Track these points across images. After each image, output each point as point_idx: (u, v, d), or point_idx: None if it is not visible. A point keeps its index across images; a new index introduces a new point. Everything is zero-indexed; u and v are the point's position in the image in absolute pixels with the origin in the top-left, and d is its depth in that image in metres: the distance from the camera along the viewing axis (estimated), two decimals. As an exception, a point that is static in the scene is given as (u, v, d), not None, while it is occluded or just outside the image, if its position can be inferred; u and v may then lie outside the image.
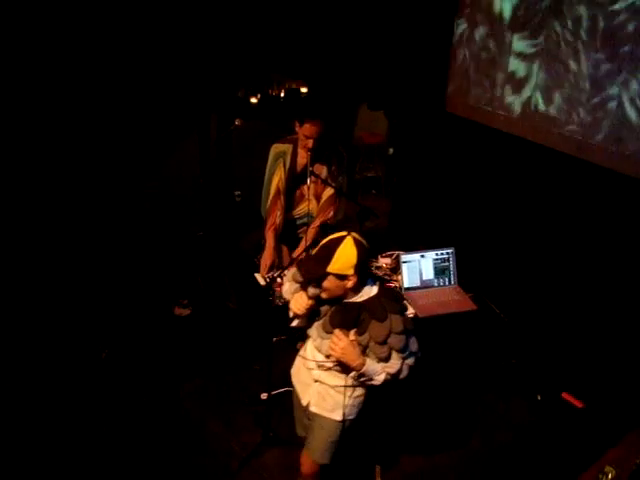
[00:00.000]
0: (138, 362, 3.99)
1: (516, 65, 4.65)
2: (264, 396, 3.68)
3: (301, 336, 3.32)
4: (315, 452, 2.70)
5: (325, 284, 2.34)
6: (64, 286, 4.45)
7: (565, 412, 3.80)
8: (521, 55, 4.59)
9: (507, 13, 4.64)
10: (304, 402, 2.70)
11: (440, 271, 3.70)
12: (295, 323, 2.57)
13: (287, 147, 3.80)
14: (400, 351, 2.36)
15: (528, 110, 4.63)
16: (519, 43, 4.59)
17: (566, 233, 4.38)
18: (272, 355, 3.28)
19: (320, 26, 5.89)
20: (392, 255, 3.88)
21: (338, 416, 2.61)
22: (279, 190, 3.79)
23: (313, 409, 2.67)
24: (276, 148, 3.84)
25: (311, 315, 2.51)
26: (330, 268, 2.29)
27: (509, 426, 3.72)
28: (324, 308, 2.47)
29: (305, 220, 3.84)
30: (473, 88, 5.15)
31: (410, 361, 2.43)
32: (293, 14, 5.80)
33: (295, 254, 3.74)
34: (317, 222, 3.82)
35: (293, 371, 2.83)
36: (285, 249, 3.94)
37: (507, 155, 4.86)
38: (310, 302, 2.42)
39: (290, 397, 2.91)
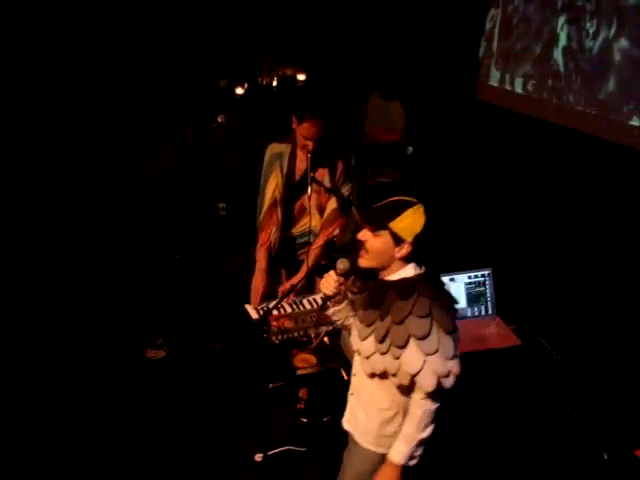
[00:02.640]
0: (99, 419, 3.96)
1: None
2: (258, 458, 3.66)
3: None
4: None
5: (376, 242, 2.44)
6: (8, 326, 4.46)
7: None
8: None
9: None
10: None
11: (475, 298, 3.70)
12: (330, 311, 2.67)
13: (285, 147, 3.80)
14: (421, 338, 2.37)
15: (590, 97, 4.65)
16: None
17: (632, 250, 4.40)
18: (268, 406, 3.28)
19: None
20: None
21: (369, 444, 2.66)
22: (275, 200, 3.80)
23: (346, 426, 2.76)
24: (273, 149, 3.84)
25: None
26: (393, 224, 2.41)
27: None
28: (357, 303, 2.56)
29: (307, 239, 3.84)
30: (513, 68, 5.17)
31: (439, 367, 2.41)
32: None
33: (295, 280, 3.74)
34: (320, 241, 3.82)
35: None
36: (283, 273, 3.95)
37: (557, 154, 4.88)
38: (339, 279, 2.55)
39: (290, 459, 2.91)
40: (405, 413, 2.55)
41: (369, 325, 2.47)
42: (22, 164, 4.98)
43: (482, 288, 3.70)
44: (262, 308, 3.66)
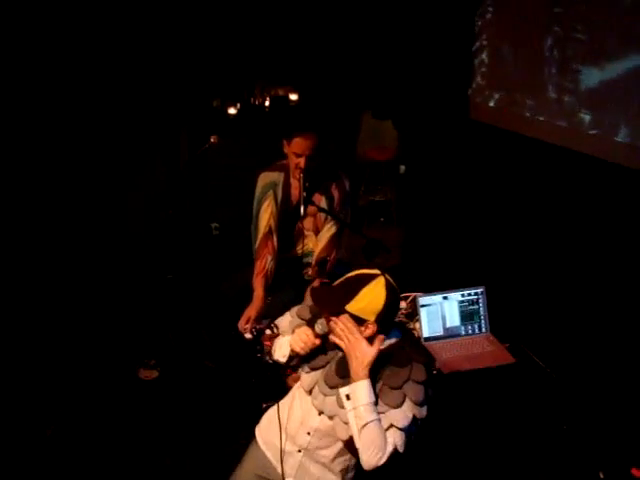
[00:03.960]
0: (91, 440, 3.94)
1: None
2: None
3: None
4: None
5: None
6: None
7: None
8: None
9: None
10: (277, 472, 2.65)
11: (468, 316, 3.70)
12: (284, 360, 2.57)
13: (278, 176, 3.81)
14: (417, 404, 2.34)
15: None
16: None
17: (628, 266, 4.42)
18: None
19: (310, 18, 5.96)
20: (408, 298, 3.89)
21: None
22: (270, 229, 3.80)
23: None
24: (265, 177, 3.84)
25: (307, 356, 2.51)
26: (350, 306, 2.31)
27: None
28: (328, 355, 2.48)
29: (304, 261, 3.87)
30: (506, 87, 5.20)
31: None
32: (276, 5, 5.88)
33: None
34: (314, 262, 3.87)
35: (262, 427, 2.81)
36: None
37: (552, 173, 4.91)
38: (317, 341, 2.43)
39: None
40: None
41: (332, 388, 2.40)
42: (12, 180, 4.96)
43: (475, 306, 3.71)
44: (255, 328, 3.66)
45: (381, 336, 2.36)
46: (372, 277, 2.34)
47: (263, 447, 2.75)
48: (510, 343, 3.66)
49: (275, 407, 2.68)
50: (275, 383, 3.20)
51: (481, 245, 5.33)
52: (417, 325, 3.65)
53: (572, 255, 4.84)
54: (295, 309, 2.66)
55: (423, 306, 3.63)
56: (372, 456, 2.28)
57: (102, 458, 3.84)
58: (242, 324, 3.71)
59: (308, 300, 2.55)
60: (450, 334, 3.66)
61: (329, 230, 3.81)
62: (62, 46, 4.90)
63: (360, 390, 2.31)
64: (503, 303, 3.85)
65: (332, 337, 2.38)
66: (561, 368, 4.09)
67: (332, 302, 2.35)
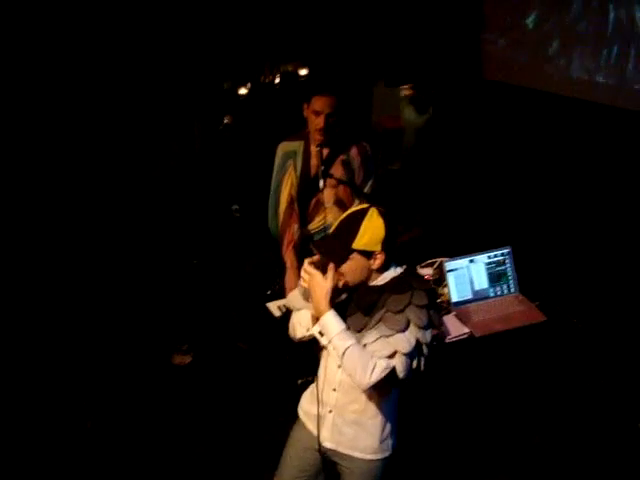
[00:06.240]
0: (130, 432, 3.98)
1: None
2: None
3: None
4: None
5: (348, 265, 2.42)
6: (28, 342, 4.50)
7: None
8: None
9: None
10: (318, 440, 2.68)
11: (496, 277, 3.70)
12: (310, 333, 2.58)
13: (298, 145, 3.76)
14: (421, 327, 2.39)
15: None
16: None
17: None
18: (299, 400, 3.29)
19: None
20: (434, 264, 3.89)
21: (374, 454, 2.63)
22: (292, 198, 3.77)
23: (329, 445, 2.66)
24: (284, 147, 3.80)
25: None
26: (356, 244, 2.38)
27: (606, 464, 3.69)
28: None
29: (324, 235, 3.82)
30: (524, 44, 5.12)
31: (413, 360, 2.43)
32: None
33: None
34: None
35: (302, 400, 2.84)
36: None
37: (573, 128, 4.86)
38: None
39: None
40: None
41: (359, 331, 2.44)
42: (28, 168, 4.99)
43: (503, 267, 3.70)
44: (284, 306, 3.66)
45: (333, 268, 2.39)
46: (365, 211, 2.42)
47: (304, 419, 2.79)
48: (540, 301, 3.66)
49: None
50: (309, 358, 3.21)
51: (504, 205, 5.30)
52: (445, 290, 3.65)
53: (595, 206, 4.80)
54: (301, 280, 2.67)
55: (450, 271, 3.63)
56: (361, 377, 2.35)
57: (142, 446, 3.89)
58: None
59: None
60: (479, 297, 3.66)
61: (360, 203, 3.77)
62: (70, 39, 4.91)
63: (328, 322, 2.39)
64: (530, 262, 3.84)
65: (301, 282, 2.46)
66: (592, 322, 4.09)
67: (339, 247, 2.41)
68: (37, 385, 4.20)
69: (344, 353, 2.36)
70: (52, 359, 4.40)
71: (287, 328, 3.34)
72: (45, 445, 3.84)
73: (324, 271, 2.41)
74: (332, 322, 2.39)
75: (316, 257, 2.45)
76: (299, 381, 3.58)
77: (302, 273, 2.45)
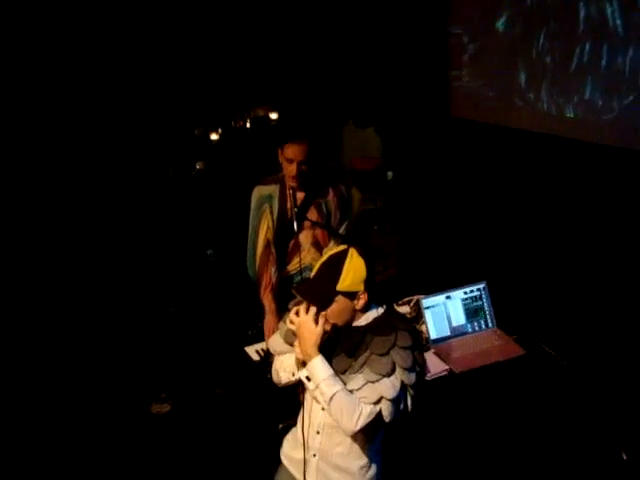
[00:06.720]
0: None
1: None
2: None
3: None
4: None
5: (332, 308, 2.41)
6: None
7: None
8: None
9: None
10: None
11: (472, 313, 3.71)
12: (294, 377, 2.56)
13: (273, 189, 3.77)
14: (406, 369, 2.39)
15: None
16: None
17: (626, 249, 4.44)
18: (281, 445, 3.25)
19: (283, 31, 5.95)
20: (411, 301, 3.90)
21: None
22: (269, 242, 3.77)
23: None
24: (260, 191, 3.80)
25: None
26: (340, 286, 2.38)
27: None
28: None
29: (302, 277, 3.82)
30: (487, 82, 5.22)
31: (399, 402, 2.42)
32: (245, 21, 5.88)
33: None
34: None
35: (284, 445, 2.81)
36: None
37: (540, 163, 4.93)
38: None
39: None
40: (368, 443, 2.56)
41: (343, 372, 2.43)
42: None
43: (479, 302, 3.71)
44: (262, 350, 3.64)
45: (324, 314, 2.40)
46: (344, 252, 2.43)
47: (287, 464, 2.75)
48: (518, 335, 3.67)
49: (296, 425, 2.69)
50: (289, 402, 3.18)
51: (477, 241, 5.34)
52: (423, 327, 3.65)
53: (569, 241, 4.86)
54: (281, 325, 2.67)
55: (427, 308, 3.63)
56: (347, 422, 2.35)
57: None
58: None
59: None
60: (457, 333, 3.67)
61: (334, 247, 3.77)
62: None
63: (315, 367, 2.38)
64: (506, 296, 3.85)
65: (289, 325, 2.45)
66: (571, 355, 4.10)
67: (323, 290, 2.41)
68: (12, 438, 4.13)
69: (331, 399, 2.36)
70: (27, 408, 4.34)
71: (266, 372, 3.32)
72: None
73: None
74: (320, 368, 2.38)
75: (303, 305, 2.43)
76: (280, 425, 3.56)
77: (291, 317, 2.43)
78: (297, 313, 2.42)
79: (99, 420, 4.33)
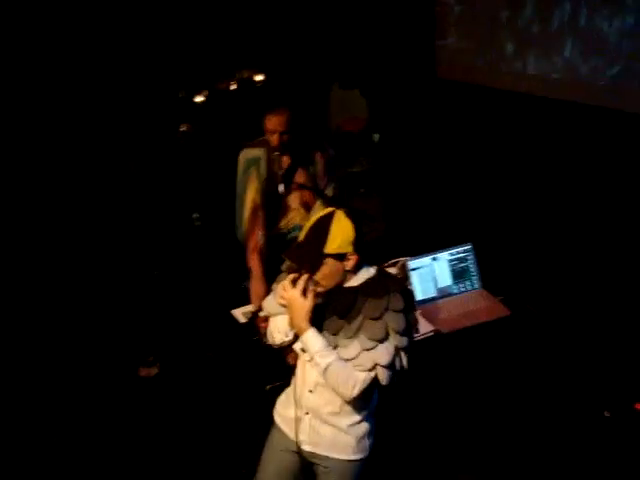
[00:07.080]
0: (98, 447, 3.90)
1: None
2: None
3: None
4: None
5: (322, 271, 2.41)
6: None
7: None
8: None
9: None
10: (294, 442, 2.68)
11: (459, 274, 3.72)
12: (289, 338, 2.57)
13: (260, 151, 3.77)
14: (399, 333, 2.39)
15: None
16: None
17: (612, 204, 4.45)
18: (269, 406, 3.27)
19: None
20: (397, 263, 3.90)
21: (352, 454, 2.63)
22: (256, 205, 3.77)
23: (307, 448, 2.66)
24: (246, 154, 3.80)
25: None
26: (328, 248, 2.37)
27: (573, 453, 3.73)
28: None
29: (297, 233, 3.82)
30: (475, 42, 5.19)
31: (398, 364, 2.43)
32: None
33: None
34: None
35: (277, 404, 2.83)
36: None
37: (526, 123, 4.91)
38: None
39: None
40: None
41: (334, 334, 2.44)
42: None
43: (465, 263, 3.72)
44: (249, 312, 3.65)
45: (313, 288, 2.40)
46: (331, 215, 2.43)
47: (280, 422, 2.77)
48: (503, 296, 3.69)
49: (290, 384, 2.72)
50: (277, 364, 3.19)
51: (463, 203, 5.34)
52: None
53: (555, 201, 4.87)
54: (274, 286, 2.66)
55: (413, 269, 3.64)
56: (344, 390, 2.39)
57: (111, 461, 3.82)
58: (255, 304, 3.66)
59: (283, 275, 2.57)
60: (444, 294, 3.68)
61: (321, 207, 3.77)
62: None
63: (309, 340, 2.40)
64: (492, 257, 3.87)
65: (279, 301, 2.45)
66: (558, 314, 4.14)
67: (311, 254, 2.40)
68: None
69: (325, 369, 2.38)
70: (17, 369, 4.35)
71: (252, 334, 3.33)
72: (9, 463, 3.78)
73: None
74: (312, 341, 2.40)
75: (291, 275, 2.42)
76: (268, 387, 3.57)
77: (280, 293, 2.43)
78: (286, 288, 2.41)
79: (86, 384, 4.34)
